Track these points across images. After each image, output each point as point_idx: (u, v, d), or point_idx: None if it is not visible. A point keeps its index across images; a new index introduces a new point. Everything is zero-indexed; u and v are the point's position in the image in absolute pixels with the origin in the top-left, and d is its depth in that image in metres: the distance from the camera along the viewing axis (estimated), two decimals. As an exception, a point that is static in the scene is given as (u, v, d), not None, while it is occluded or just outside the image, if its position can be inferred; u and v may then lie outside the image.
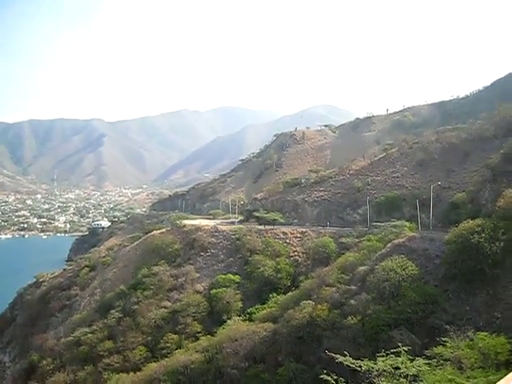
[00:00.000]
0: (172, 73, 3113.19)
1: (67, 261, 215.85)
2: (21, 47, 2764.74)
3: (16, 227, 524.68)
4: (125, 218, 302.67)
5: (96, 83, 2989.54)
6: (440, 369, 31.95)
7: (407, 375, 28.30)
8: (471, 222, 59.54)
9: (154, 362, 77.03)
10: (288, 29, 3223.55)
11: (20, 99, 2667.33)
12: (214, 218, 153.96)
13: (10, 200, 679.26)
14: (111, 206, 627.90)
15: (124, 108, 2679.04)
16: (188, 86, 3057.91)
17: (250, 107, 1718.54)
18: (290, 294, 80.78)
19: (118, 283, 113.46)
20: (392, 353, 30.19)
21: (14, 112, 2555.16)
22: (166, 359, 74.65)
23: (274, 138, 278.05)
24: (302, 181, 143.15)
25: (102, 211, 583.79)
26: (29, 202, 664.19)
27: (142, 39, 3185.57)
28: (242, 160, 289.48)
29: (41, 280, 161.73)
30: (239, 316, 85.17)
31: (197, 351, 70.83)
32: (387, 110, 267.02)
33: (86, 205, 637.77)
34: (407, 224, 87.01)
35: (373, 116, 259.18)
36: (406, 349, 30.40)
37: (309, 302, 66.36)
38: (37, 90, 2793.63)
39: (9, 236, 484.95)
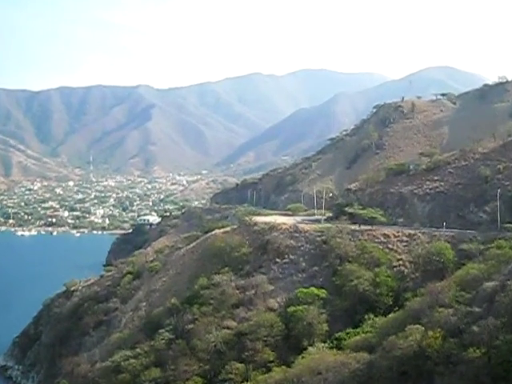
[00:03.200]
0: (239, 25, 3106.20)
1: (105, 265, 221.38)
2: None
3: (42, 222, 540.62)
4: (179, 213, 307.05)
5: (142, 40, 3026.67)
6: None
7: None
8: None
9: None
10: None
11: (48, 61, 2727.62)
12: (293, 215, 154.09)
13: (36, 188, 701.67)
14: (161, 196, 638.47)
15: (178, 71, 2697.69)
16: (260, 43, 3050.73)
17: (342, 69, 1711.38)
18: (391, 315, 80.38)
19: (169, 296, 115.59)
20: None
21: (40, 78, 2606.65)
22: (229, 395, 75.64)
23: (374, 111, 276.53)
24: (411, 167, 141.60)
25: (150, 203, 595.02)
26: (58, 190, 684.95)
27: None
28: (332, 139, 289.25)
29: (72, 289, 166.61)
30: (324, 342, 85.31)
31: (268, 386, 71.39)
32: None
33: (130, 195, 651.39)
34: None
35: (507, 81, 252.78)
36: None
37: (417, 326, 65.76)
38: (68, 49, 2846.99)
39: (33, 233, 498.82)
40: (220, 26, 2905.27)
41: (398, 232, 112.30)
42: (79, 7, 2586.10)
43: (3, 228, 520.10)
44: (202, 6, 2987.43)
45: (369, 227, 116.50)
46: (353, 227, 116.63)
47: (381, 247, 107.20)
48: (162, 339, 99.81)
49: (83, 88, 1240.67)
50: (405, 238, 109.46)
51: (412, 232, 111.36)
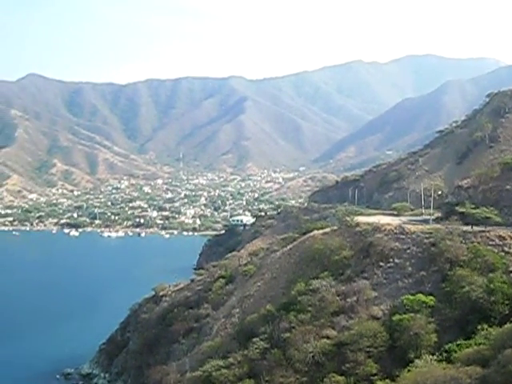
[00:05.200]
0: (337, 9, 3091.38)
1: (196, 269, 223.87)
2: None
3: (130, 222, 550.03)
4: (274, 213, 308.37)
5: (234, 28, 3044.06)
6: None
7: None
8: None
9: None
10: None
11: (135, 53, 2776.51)
12: (398, 214, 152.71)
13: (123, 186, 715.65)
14: (256, 195, 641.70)
15: (272, 61, 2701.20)
16: (360, 28, 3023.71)
17: (451, 55, 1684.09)
18: (507, 325, 78.72)
19: (264, 302, 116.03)
20: None
21: (127, 70, 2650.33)
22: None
23: (487, 100, 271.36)
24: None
25: (244, 203, 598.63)
26: (146, 189, 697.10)
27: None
28: (441, 132, 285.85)
29: (161, 294, 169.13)
30: (432, 354, 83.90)
31: (371, 401, 71.03)
32: None
33: (222, 193, 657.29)
34: None
35: None
36: None
37: (537, 338, 64.48)
38: (157, 39, 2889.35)
39: (121, 234, 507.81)
40: (316, 9, 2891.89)
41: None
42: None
43: (89, 229, 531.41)
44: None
45: (482, 228, 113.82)
46: (464, 228, 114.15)
47: (495, 250, 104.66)
48: (257, 348, 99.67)
49: (171, 80, 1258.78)
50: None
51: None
